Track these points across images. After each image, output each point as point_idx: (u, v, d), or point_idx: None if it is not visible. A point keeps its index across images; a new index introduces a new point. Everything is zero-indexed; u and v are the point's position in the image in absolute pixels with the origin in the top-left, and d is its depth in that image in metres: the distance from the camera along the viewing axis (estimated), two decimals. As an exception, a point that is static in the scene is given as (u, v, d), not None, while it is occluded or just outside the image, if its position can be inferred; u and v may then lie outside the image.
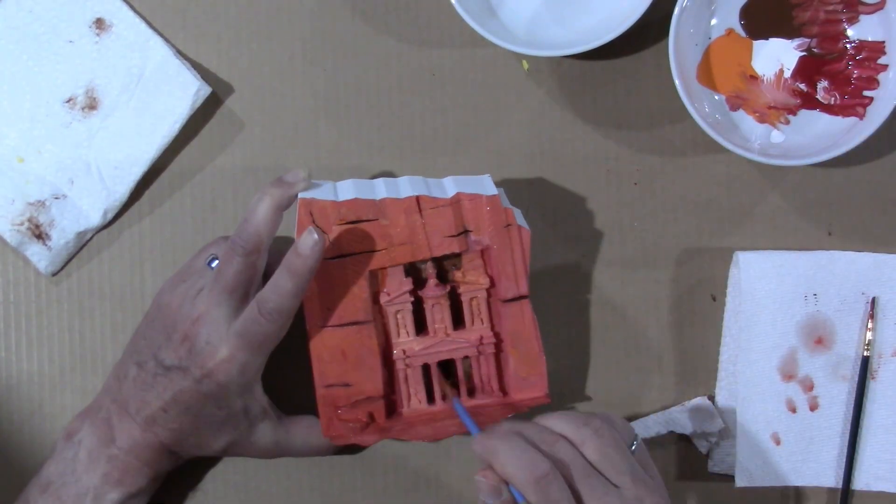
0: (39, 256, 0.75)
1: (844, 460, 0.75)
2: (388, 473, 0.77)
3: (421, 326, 0.71)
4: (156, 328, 0.69)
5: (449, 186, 0.70)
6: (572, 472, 0.60)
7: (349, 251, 0.68)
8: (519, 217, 0.70)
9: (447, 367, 0.72)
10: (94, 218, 0.75)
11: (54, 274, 0.76)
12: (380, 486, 0.77)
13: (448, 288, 0.70)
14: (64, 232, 0.75)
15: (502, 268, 0.69)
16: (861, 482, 0.76)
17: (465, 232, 0.69)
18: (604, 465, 0.61)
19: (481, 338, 0.70)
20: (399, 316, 0.70)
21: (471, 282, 0.70)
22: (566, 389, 0.76)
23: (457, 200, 0.68)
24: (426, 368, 0.71)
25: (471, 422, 0.65)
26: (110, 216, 0.76)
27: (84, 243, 0.77)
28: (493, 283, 0.70)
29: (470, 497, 0.77)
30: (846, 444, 0.75)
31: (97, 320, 0.77)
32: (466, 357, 0.71)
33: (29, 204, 0.75)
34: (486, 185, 0.70)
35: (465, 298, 0.70)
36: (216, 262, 0.69)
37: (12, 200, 0.75)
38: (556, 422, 0.63)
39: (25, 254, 0.75)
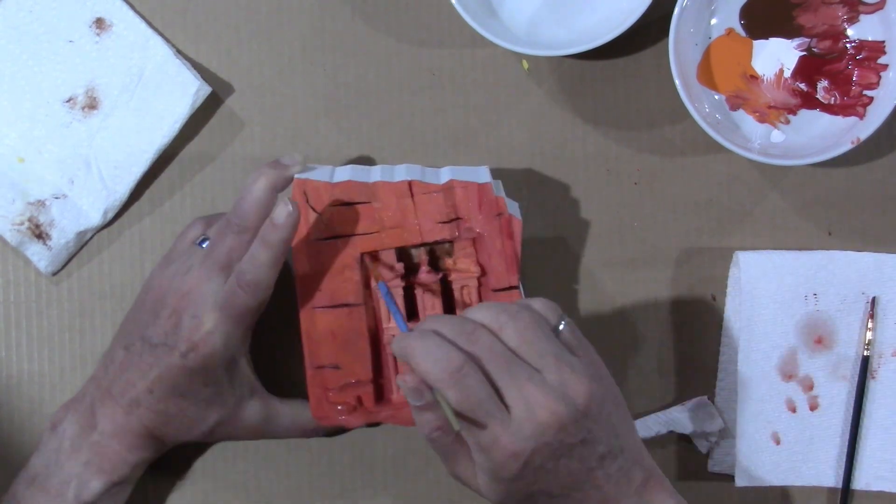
0: (39, 256, 0.75)
1: (844, 460, 0.75)
2: (387, 473, 0.77)
3: (412, 313, 0.71)
4: (145, 309, 0.69)
5: (444, 176, 0.70)
6: (490, 360, 0.58)
7: (341, 233, 0.69)
8: (513, 208, 0.70)
9: None
10: (94, 218, 0.75)
11: (54, 274, 0.76)
12: (380, 485, 0.77)
13: (440, 275, 0.70)
14: (64, 232, 0.75)
15: (493, 257, 0.69)
16: (861, 482, 0.76)
17: (457, 219, 0.69)
18: (523, 350, 0.59)
19: None
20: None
21: (462, 270, 0.70)
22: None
23: (449, 187, 0.69)
24: None
25: (399, 317, 0.63)
26: (110, 216, 0.76)
27: (84, 243, 0.77)
28: (484, 272, 0.70)
29: (470, 495, 0.77)
30: (846, 444, 0.75)
31: (97, 320, 0.77)
32: None
33: (29, 204, 0.75)
34: (481, 176, 0.70)
35: (455, 286, 0.70)
36: (207, 242, 0.70)
37: (12, 200, 0.75)
38: (475, 312, 0.61)
39: (25, 254, 0.75)
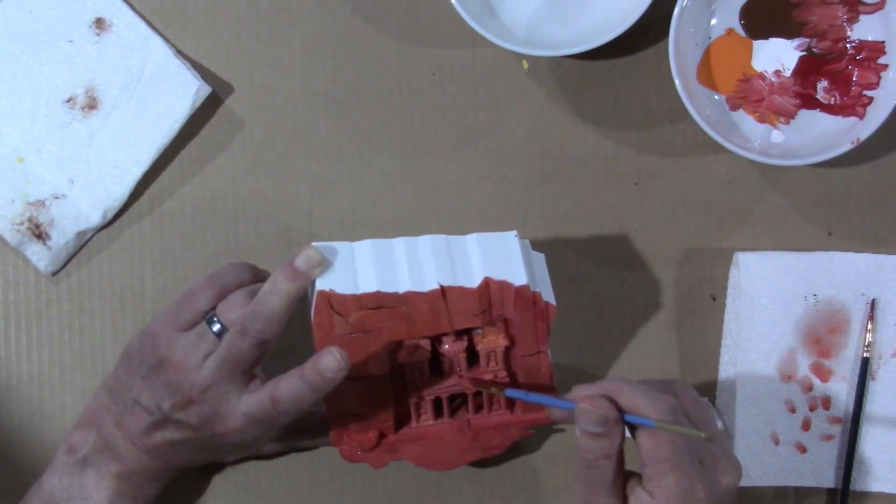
0: (39, 256, 0.75)
1: (844, 461, 0.75)
2: (387, 472, 0.77)
3: (435, 364, 0.69)
4: (155, 377, 0.67)
5: (472, 250, 0.67)
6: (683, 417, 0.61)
7: (369, 329, 0.65)
8: (540, 267, 0.68)
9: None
10: (94, 218, 0.75)
11: (54, 274, 0.76)
12: (380, 485, 0.77)
13: (465, 343, 0.68)
14: (64, 232, 0.75)
15: (523, 333, 0.67)
16: (860, 483, 0.76)
17: (489, 307, 0.66)
18: (694, 417, 0.62)
19: (495, 376, 0.69)
20: (415, 365, 0.68)
21: (489, 342, 0.68)
22: (566, 389, 0.76)
23: (484, 286, 0.66)
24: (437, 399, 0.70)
25: (558, 401, 0.63)
26: (110, 216, 0.76)
27: (84, 243, 0.77)
28: (513, 343, 0.68)
29: (469, 495, 0.77)
30: (846, 444, 0.75)
31: (97, 320, 0.77)
32: (478, 392, 0.70)
33: (29, 204, 0.75)
34: (511, 249, 0.67)
35: (482, 353, 0.68)
36: (217, 326, 0.67)
37: (12, 200, 0.75)
38: (641, 386, 0.63)
39: (25, 253, 0.75)
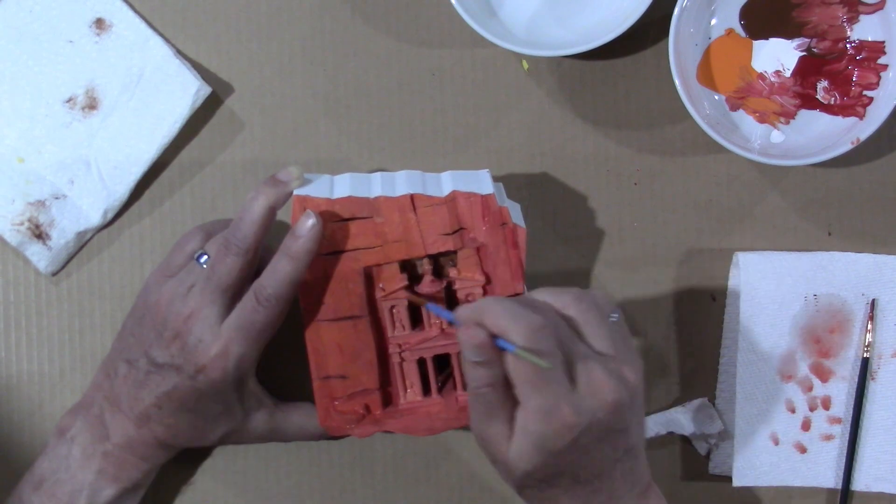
0: (39, 256, 0.75)
1: (844, 461, 0.75)
2: (387, 472, 0.77)
3: (416, 320, 0.71)
4: (145, 325, 0.68)
5: (445, 182, 0.70)
6: (559, 332, 0.59)
7: (343, 248, 0.68)
8: (516, 214, 0.70)
9: (443, 361, 0.72)
10: (94, 218, 0.75)
11: (54, 274, 0.76)
12: (379, 485, 0.77)
13: (444, 284, 0.70)
14: (64, 232, 0.75)
15: (498, 266, 0.68)
16: (860, 483, 0.76)
17: (461, 230, 0.68)
18: (586, 331, 0.61)
19: None
20: (394, 311, 0.70)
21: (466, 278, 0.69)
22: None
23: (452, 198, 0.68)
24: (422, 362, 0.71)
25: (446, 312, 0.63)
26: (110, 216, 0.76)
27: (84, 243, 0.77)
28: (489, 280, 0.69)
29: (469, 495, 0.77)
30: (846, 444, 0.75)
31: (97, 320, 0.77)
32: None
33: (29, 204, 0.75)
34: (483, 182, 0.69)
35: (460, 295, 0.70)
36: (205, 257, 0.69)
37: (12, 200, 0.75)
38: (536, 293, 0.62)
39: (25, 254, 0.75)
